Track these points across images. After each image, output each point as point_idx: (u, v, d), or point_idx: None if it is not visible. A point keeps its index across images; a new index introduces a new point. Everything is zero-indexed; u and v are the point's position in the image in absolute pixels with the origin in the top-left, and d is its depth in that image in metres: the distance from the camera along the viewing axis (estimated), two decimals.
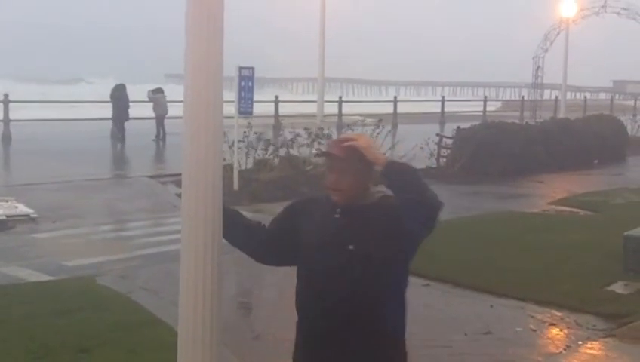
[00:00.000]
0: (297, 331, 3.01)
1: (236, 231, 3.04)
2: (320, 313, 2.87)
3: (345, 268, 2.82)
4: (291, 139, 14.20)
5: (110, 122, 22.77)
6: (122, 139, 21.44)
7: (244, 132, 13.70)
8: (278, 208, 3.29)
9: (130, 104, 22.22)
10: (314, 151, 14.20)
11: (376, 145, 2.93)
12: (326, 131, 14.88)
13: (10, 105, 21.60)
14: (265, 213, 9.59)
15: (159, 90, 22.77)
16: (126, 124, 21.88)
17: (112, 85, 23.71)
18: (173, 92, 22.56)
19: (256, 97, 13.45)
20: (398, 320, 2.94)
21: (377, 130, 14.43)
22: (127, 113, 21.88)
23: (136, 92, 23.84)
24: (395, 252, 2.84)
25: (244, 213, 3.26)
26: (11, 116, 21.36)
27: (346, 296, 2.82)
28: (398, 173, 2.81)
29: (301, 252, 2.97)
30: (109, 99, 23.27)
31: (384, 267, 2.83)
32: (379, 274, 2.83)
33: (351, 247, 2.81)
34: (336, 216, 2.88)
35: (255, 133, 13.92)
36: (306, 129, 14.37)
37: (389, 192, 2.90)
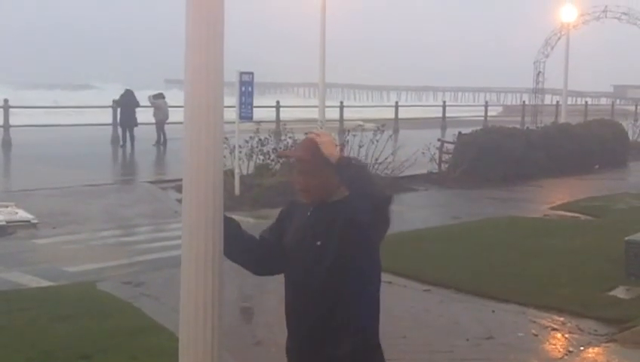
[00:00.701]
0: (286, 323, 3.13)
1: (235, 244, 3.04)
2: (296, 310, 3.01)
3: (314, 265, 2.93)
4: (292, 145, 14.18)
5: (110, 127, 22.81)
6: (132, 145, 21.47)
7: (250, 137, 13.69)
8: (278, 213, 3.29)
9: (137, 109, 22.25)
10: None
11: (334, 142, 3.00)
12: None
13: (11, 110, 21.61)
14: (266, 219, 9.58)
15: (160, 96, 22.79)
16: (135, 129, 21.90)
17: (112, 91, 23.74)
18: (176, 97, 22.60)
19: (257, 102, 13.46)
20: (369, 320, 3.01)
21: (378, 135, 14.42)
22: (135, 119, 21.90)
23: (137, 97, 23.84)
24: (356, 247, 2.92)
25: (246, 218, 3.27)
26: (12, 122, 21.36)
27: (317, 292, 2.93)
28: (346, 166, 2.89)
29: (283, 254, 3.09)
30: (110, 104, 23.32)
31: (350, 262, 2.92)
32: (346, 269, 2.91)
33: (319, 243, 2.93)
34: (308, 214, 3.02)
35: (260, 139, 13.92)
36: (306, 134, 14.35)
37: None
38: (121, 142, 21.74)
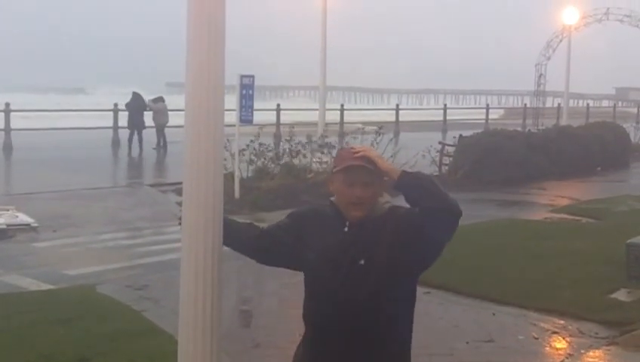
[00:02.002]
0: (305, 343, 2.97)
1: (233, 235, 3.00)
2: (332, 328, 2.83)
3: (357, 285, 2.77)
4: (294, 149, 14.20)
5: (111, 131, 22.85)
6: (140, 147, 21.50)
7: (251, 140, 13.70)
8: (278, 217, 3.25)
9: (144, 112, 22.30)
10: (316, 160, 14.20)
11: (381, 155, 2.90)
12: (328, 140, 14.88)
13: (12, 114, 21.62)
14: (266, 222, 9.54)
15: (160, 99, 22.82)
16: (143, 132, 21.93)
17: (112, 95, 23.77)
18: (175, 101, 22.63)
19: (257, 106, 13.46)
20: (407, 334, 2.93)
21: (378, 138, 14.41)
22: (143, 121, 21.99)
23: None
24: (407, 263, 2.81)
25: (246, 221, 3.23)
26: (13, 125, 21.37)
27: (359, 311, 2.78)
28: (414, 182, 2.76)
29: (304, 263, 2.93)
30: (111, 107, 23.36)
31: (396, 280, 2.80)
32: (390, 287, 2.79)
33: (362, 262, 2.77)
34: (345, 229, 2.83)
35: (260, 143, 13.92)
36: (308, 137, 14.35)
37: (394, 202, 2.89)
38: (129, 145, 21.78)
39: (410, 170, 2.88)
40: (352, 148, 2.93)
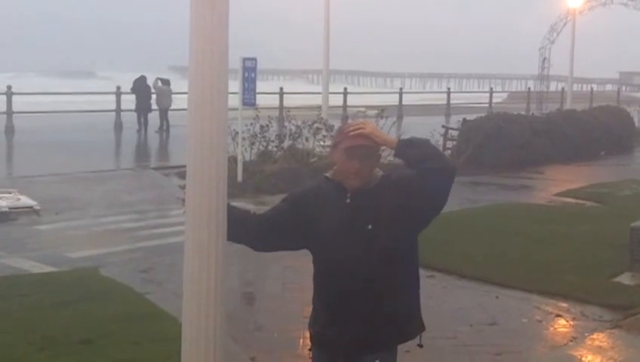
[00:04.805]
0: (320, 308, 3.13)
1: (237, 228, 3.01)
2: (346, 294, 2.99)
3: (367, 248, 2.95)
4: (296, 132, 14.16)
5: (114, 114, 22.82)
6: (145, 131, 21.51)
7: (251, 123, 13.65)
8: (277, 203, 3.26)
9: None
10: (319, 142, 14.17)
11: (377, 127, 3.07)
12: (330, 123, 14.84)
13: (14, 97, 21.57)
14: (268, 205, 9.54)
15: (166, 82, 22.78)
16: (149, 115, 21.93)
17: (122, 80, 23.72)
18: (177, 84, 22.59)
19: (260, 89, 13.40)
20: (416, 296, 3.16)
21: (382, 121, 14.35)
22: (149, 104, 21.99)
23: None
24: (410, 222, 3.00)
25: (248, 205, 3.24)
26: (14, 108, 21.32)
27: (373, 272, 2.95)
28: (412, 147, 2.97)
29: (310, 240, 3.09)
30: (114, 90, 23.31)
31: (402, 237, 2.99)
32: (399, 249, 2.99)
33: (370, 227, 2.95)
34: (348, 201, 3.00)
35: (262, 125, 13.87)
36: (309, 122, 14.30)
37: (386, 170, 3.10)
38: (137, 127, 21.73)
39: (405, 138, 3.08)
40: (350, 124, 3.11)
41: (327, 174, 3.14)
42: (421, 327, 3.18)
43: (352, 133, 2.99)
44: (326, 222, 3.02)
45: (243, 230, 3.08)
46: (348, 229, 2.97)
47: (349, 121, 14.31)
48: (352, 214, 2.98)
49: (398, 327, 3.06)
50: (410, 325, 3.12)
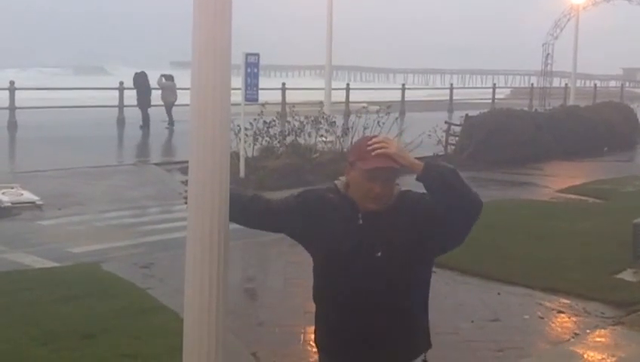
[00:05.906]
0: (319, 319, 2.96)
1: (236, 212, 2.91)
2: (349, 314, 2.82)
3: (375, 275, 2.75)
4: (298, 127, 14.15)
5: (116, 109, 22.83)
6: (147, 126, 21.50)
7: (255, 119, 13.64)
8: (283, 196, 3.18)
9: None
10: (321, 138, 14.14)
11: (402, 147, 2.84)
12: (333, 119, 14.81)
13: (17, 92, 21.58)
14: None
15: (170, 77, 22.80)
16: (149, 110, 21.94)
17: (119, 74, 23.68)
18: (178, 80, 22.58)
19: (262, 84, 13.39)
20: (424, 312, 2.97)
21: (384, 117, 14.33)
22: (149, 100, 21.97)
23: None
24: (426, 252, 2.83)
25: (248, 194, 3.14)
26: (17, 103, 21.33)
27: (377, 300, 2.77)
28: (438, 176, 2.69)
29: (314, 249, 2.91)
30: (117, 86, 23.31)
31: (414, 267, 2.80)
32: (408, 275, 2.80)
33: (379, 254, 2.74)
34: (360, 222, 2.78)
35: (265, 121, 13.86)
36: (313, 117, 14.28)
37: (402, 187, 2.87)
38: (141, 123, 21.74)
39: (433, 163, 2.78)
40: (369, 138, 2.82)
41: (339, 184, 2.88)
42: (427, 345, 3.00)
43: (375, 153, 2.71)
44: (332, 239, 2.80)
45: (243, 218, 2.97)
46: (355, 253, 2.75)
47: (353, 122, 14.29)
48: (361, 237, 2.75)
49: (403, 349, 2.88)
50: (416, 346, 2.95)
